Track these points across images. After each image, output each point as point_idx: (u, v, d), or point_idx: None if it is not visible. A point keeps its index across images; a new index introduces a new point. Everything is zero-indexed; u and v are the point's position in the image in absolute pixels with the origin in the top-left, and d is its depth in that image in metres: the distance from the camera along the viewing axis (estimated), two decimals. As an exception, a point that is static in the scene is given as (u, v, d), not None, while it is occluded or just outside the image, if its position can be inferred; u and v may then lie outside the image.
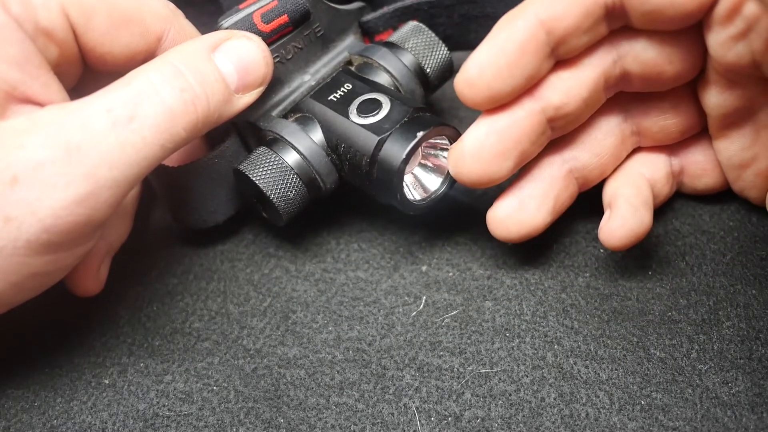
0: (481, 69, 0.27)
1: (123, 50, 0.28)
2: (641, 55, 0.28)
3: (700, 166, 0.32)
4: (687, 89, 0.30)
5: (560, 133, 0.30)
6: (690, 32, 0.27)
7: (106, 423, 0.28)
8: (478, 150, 0.28)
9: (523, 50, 0.26)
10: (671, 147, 0.32)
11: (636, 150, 0.32)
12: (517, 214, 0.30)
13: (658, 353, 0.29)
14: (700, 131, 0.32)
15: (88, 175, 0.24)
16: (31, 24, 0.25)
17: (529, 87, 0.28)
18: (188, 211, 0.32)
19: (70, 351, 0.31)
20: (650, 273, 0.31)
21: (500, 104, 0.28)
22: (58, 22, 0.26)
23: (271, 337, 0.31)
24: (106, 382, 0.30)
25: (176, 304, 0.32)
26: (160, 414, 0.29)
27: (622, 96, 0.30)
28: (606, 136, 0.31)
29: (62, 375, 0.30)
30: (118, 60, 0.28)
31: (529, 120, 0.28)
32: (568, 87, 0.28)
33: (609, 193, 0.31)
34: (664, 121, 0.31)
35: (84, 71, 0.29)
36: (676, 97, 0.30)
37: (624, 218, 0.29)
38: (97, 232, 0.26)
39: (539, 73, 0.27)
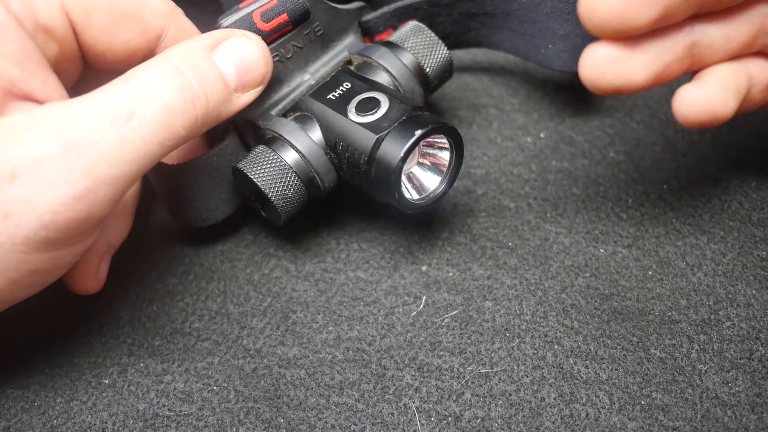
0: None
1: (122, 48, 0.28)
2: None
3: None
4: None
5: (708, 9, 0.27)
6: None
7: (106, 423, 0.28)
8: None
9: None
10: None
11: (759, 53, 0.30)
12: (618, 64, 0.27)
13: (658, 353, 0.29)
14: None
15: (87, 172, 0.24)
16: (30, 21, 0.25)
17: None
18: (187, 210, 0.32)
19: (70, 351, 0.31)
20: (650, 273, 0.31)
21: None
22: (58, 20, 0.26)
23: (271, 337, 0.31)
24: (106, 382, 0.30)
25: (176, 304, 0.32)
26: (160, 414, 0.29)
27: None
28: (744, 23, 0.29)
29: (62, 375, 0.30)
30: (117, 57, 0.28)
31: None
32: None
33: (705, 70, 0.29)
34: None
35: (84, 69, 0.29)
36: None
37: (710, 89, 0.27)
38: (96, 229, 0.26)
39: None
